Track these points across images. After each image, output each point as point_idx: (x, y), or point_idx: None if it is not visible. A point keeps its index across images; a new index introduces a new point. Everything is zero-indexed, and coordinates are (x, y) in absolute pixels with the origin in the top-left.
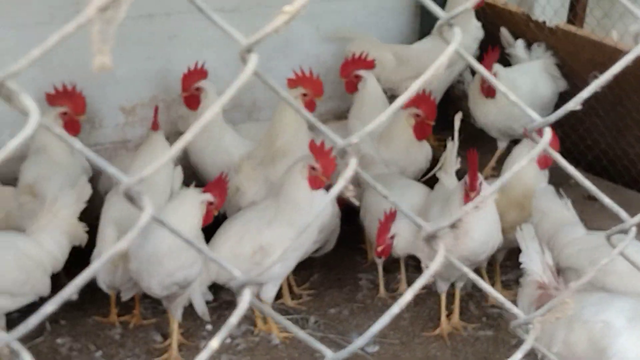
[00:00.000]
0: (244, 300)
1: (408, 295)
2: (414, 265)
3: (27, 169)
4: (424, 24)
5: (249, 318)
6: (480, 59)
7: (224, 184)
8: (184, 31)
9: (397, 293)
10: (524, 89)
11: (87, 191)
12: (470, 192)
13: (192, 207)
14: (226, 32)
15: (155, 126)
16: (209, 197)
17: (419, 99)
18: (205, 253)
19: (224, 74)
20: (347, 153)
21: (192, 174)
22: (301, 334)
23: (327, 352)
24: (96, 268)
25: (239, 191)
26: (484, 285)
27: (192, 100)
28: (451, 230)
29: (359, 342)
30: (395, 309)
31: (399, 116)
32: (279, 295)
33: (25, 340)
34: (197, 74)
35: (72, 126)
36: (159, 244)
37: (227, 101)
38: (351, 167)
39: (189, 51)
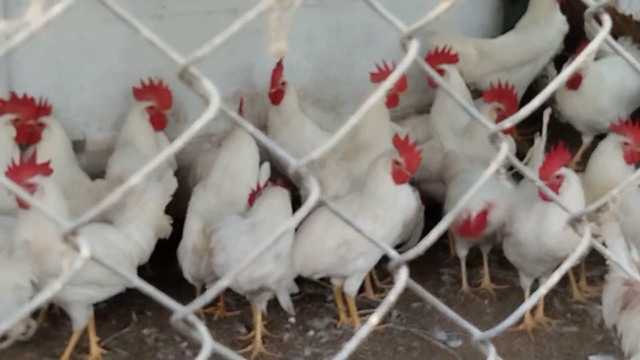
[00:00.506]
0: (401, 279)
1: (555, 276)
2: (496, 261)
3: (114, 161)
4: (508, 18)
5: (332, 311)
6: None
7: None
8: (263, 24)
9: (480, 288)
10: (611, 82)
11: (172, 185)
12: (540, 179)
13: (284, 203)
14: (388, 20)
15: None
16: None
17: (501, 93)
18: (363, 233)
19: (306, 67)
20: (498, 138)
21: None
22: (450, 312)
23: (475, 331)
24: (269, 244)
25: (321, 185)
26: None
27: (278, 95)
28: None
29: (508, 321)
30: (543, 290)
31: (482, 110)
32: (361, 289)
33: (113, 330)
34: (281, 69)
35: (158, 120)
36: (258, 241)
37: (390, 86)
38: (503, 151)
39: None
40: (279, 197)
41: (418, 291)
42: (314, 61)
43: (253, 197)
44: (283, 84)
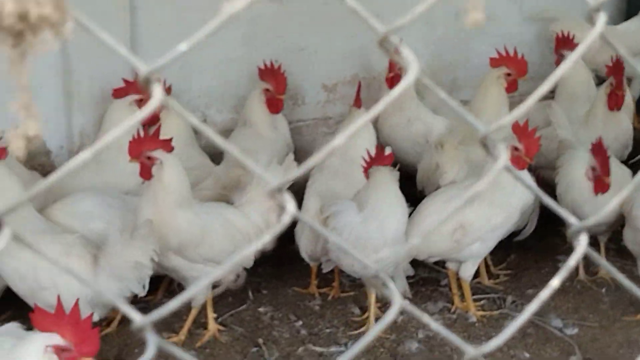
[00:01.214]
0: (582, 245)
1: None
2: (615, 249)
3: (232, 141)
4: (631, 5)
5: (445, 295)
6: None
7: None
8: (388, 9)
9: (597, 277)
10: None
11: (293, 168)
12: None
13: (393, 184)
14: None
15: (357, 103)
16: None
17: (613, 68)
18: (543, 199)
19: (424, 51)
20: None
21: None
22: (635, 289)
23: None
24: (451, 212)
25: (438, 169)
26: None
27: (395, 80)
28: None
29: None
30: None
31: (599, 92)
32: (476, 274)
33: (229, 307)
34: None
35: (273, 103)
36: (383, 229)
37: (571, 65)
38: None
39: None
40: (389, 177)
41: (595, 259)
42: (431, 45)
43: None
44: (400, 68)
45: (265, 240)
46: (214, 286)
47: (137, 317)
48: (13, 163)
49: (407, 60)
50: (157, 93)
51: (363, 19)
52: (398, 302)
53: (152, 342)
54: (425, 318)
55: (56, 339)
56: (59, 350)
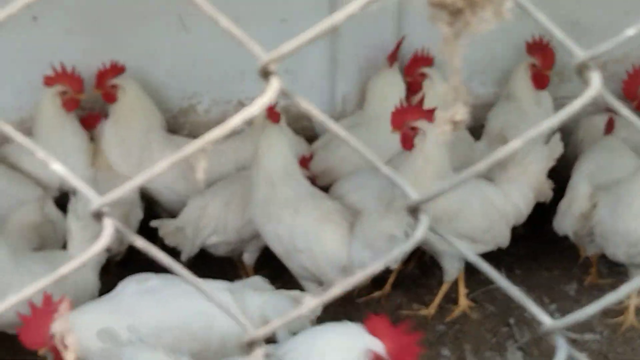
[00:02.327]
0: None
1: None
2: None
3: (494, 116)
4: None
5: None
6: None
7: None
8: None
9: None
10: None
11: (558, 149)
12: None
13: None
14: None
15: (609, 130)
16: None
17: None
18: None
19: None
20: None
21: None
22: None
23: None
24: None
25: None
26: None
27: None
28: None
29: None
30: None
31: None
32: None
33: (481, 284)
34: None
35: (539, 79)
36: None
37: None
38: None
39: None
40: None
41: None
42: None
43: None
44: None
45: None
46: None
47: (547, 320)
48: (283, 127)
49: None
50: (595, 82)
51: None
52: None
53: (563, 348)
54: None
55: (379, 348)
56: (376, 358)
